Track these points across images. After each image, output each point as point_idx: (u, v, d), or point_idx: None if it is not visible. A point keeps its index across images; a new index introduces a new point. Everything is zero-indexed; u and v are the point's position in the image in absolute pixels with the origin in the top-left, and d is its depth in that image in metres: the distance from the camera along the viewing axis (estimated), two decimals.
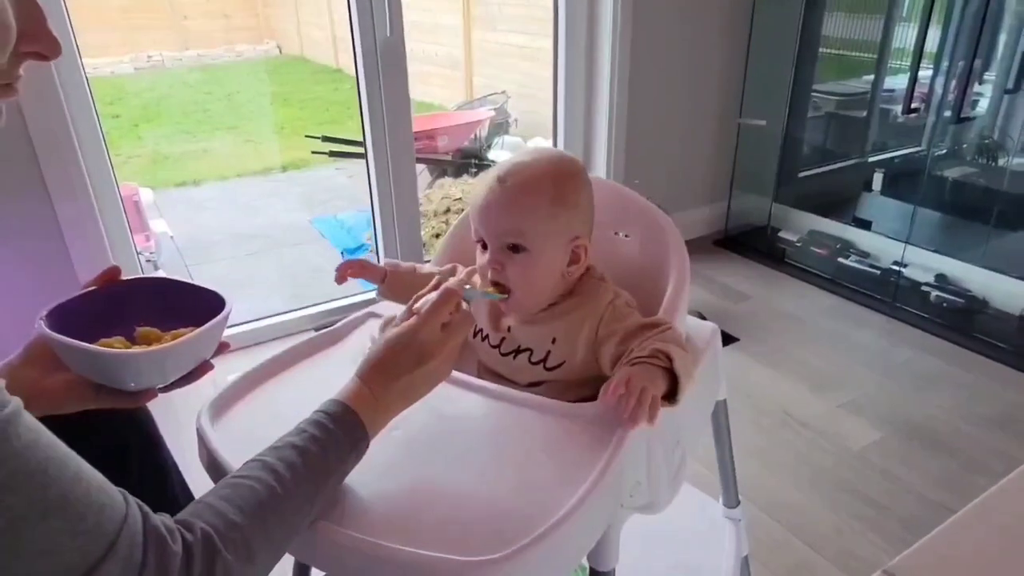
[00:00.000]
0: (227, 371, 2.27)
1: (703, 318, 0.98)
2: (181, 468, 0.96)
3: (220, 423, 0.79)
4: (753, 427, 1.73)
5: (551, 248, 0.82)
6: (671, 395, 0.74)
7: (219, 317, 0.77)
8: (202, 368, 0.80)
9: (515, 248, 0.81)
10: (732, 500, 1.14)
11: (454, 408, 0.78)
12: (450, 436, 0.75)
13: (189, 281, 0.85)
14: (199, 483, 0.77)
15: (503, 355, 0.87)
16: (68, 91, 1.67)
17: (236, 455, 0.67)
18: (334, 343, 0.92)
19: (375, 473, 0.69)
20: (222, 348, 0.82)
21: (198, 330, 0.75)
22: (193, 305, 0.80)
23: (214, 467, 0.73)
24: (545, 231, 0.81)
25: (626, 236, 0.99)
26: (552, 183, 0.81)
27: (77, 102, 1.71)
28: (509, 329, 0.88)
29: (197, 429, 0.77)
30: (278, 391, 0.85)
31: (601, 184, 0.91)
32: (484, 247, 0.83)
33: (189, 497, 0.93)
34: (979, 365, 2.05)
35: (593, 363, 0.83)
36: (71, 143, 1.66)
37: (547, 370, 0.84)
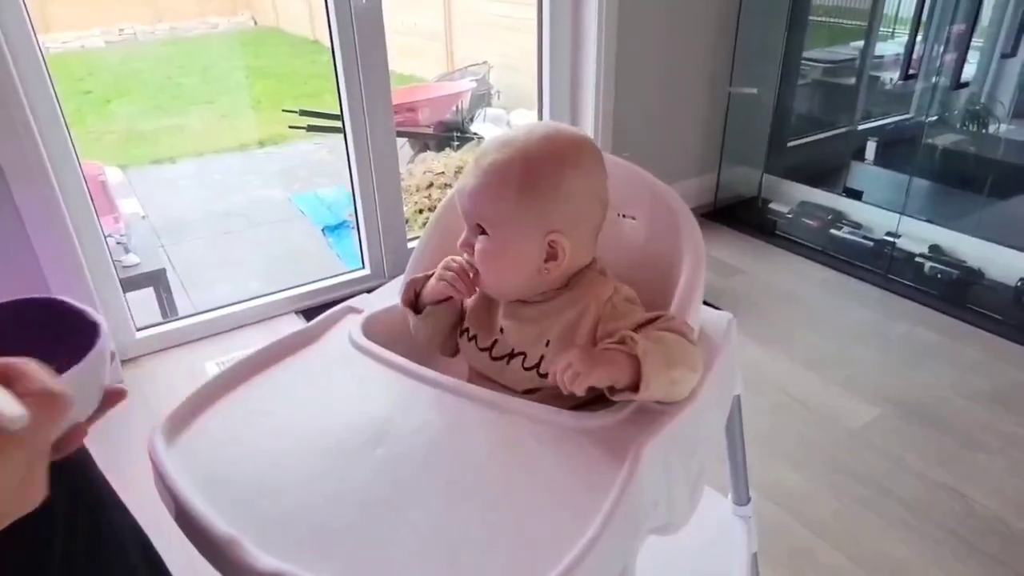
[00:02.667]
0: (205, 357, 2.18)
1: None
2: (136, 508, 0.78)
3: (180, 446, 0.67)
4: (748, 406, 1.68)
5: (515, 238, 0.75)
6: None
7: (87, 360, 0.53)
8: (109, 400, 0.57)
9: (481, 229, 0.76)
10: (743, 498, 1.09)
11: (445, 420, 0.69)
12: (440, 454, 0.66)
13: (59, 299, 0.62)
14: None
15: (494, 359, 0.79)
16: (21, 67, 1.56)
17: (204, 487, 0.57)
18: (308, 343, 0.82)
19: (351, 500, 0.60)
20: (112, 398, 0.57)
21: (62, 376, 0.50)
22: (70, 331, 0.58)
23: (178, 508, 0.61)
24: (508, 219, 0.74)
25: (632, 218, 0.90)
26: (523, 168, 0.73)
27: (32, 78, 1.61)
28: (502, 330, 0.80)
29: (149, 455, 0.66)
30: (248, 401, 0.74)
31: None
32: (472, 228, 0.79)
33: (153, 562, 0.75)
34: (975, 338, 2.01)
35: None
36: (26, 121, 1.56)
37: (541, 376, 0.76)
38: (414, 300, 0.85)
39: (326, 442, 0.67)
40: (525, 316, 0.79)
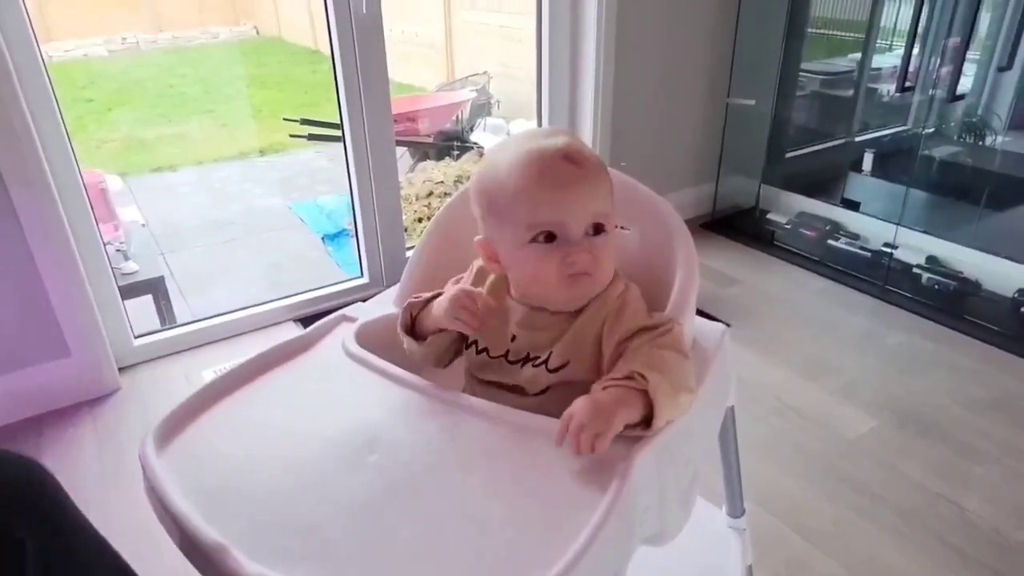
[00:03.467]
0: (202, 365, 2.18)
1: None
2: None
3: (172, 453, 0.67)
4: (746, 415, 1.69)
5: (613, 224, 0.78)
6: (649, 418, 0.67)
7: None
8: None
9: (597, 230, 0.74)
10: (737, 510, 1.08)
11: (437, 428, 0.70)
12: (432, 463, 0.66)
13: None
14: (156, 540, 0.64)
15: (511, 363, 0.79)
16: (23, 75, 1.57)
17: (194, 494, 0.57)
18: (302, 350, 0.82)
19: (342, 507, 0.60)
20: None
21: None
22: None
23: (168, 516, 0.60)
24: (612, 208, 0.77)
25: (626, 229, 0.90)
26: (600, 161, 0.77)
27: (33, 86, 1.62)
28: (514, 338, 0.79)
29: (140, 461, 0.66)
30: (240, 408, 0.74)
31: None
32: (549, 238, 0.73)
33: None
34: (972, 348, 2.01)
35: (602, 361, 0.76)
36: (27, 130, 1.57)
37: (550, 372, 0.77)
38: (411, 325, 0.83)
39: (318, 450, 0.68)
40: (541, 323, 0.79)
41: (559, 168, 0.72)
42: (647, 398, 0.66)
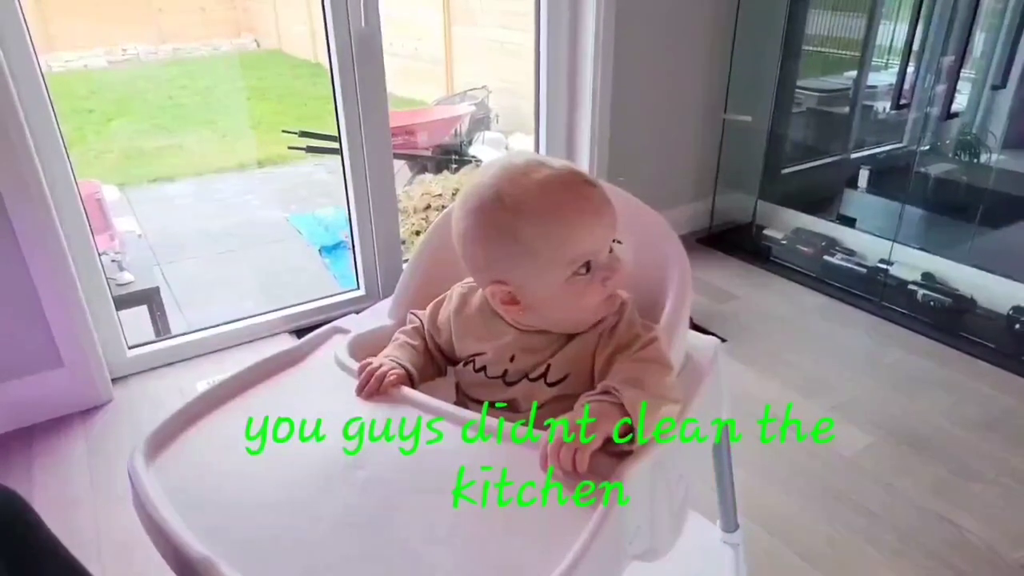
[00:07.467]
0: (196, 377, 2.17)
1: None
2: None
3: (160, 465, 0.66)
4: (741, 431, 1.67)
5: None
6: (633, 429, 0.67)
7: None
8: None
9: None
10: (731, 525, 1.08)
11: (430, 443, 0.69)
12: (423, 477, 0.65)
13: None
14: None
15: (508, 384, 0.79)
16: (20, 85, 1.58)
17: (182, 507, 0.56)
18: (294, 363, 0.82)
19: (330, 522, 0.59)
20: None
21: None
22: None
23: (156, 529, 0.59)
24: None
25: (618, 242, 0.91)
26: None
27: (31, 96, 1.62)
28: (513, 359, 0.78)
29: (129, 473, 0.65)
30: (231, 420, 0.73)
31: None
32: (586, 267, 0.72)
33: None
34: (967, 366, 2.01)
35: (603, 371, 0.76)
36: (23, 139, 1.57)
37: (549, 385, 0.76)
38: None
39: (309, 463, 0.67)
40: (539, 344, 0.78)
41: (589, 195, 0.72)
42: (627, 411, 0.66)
